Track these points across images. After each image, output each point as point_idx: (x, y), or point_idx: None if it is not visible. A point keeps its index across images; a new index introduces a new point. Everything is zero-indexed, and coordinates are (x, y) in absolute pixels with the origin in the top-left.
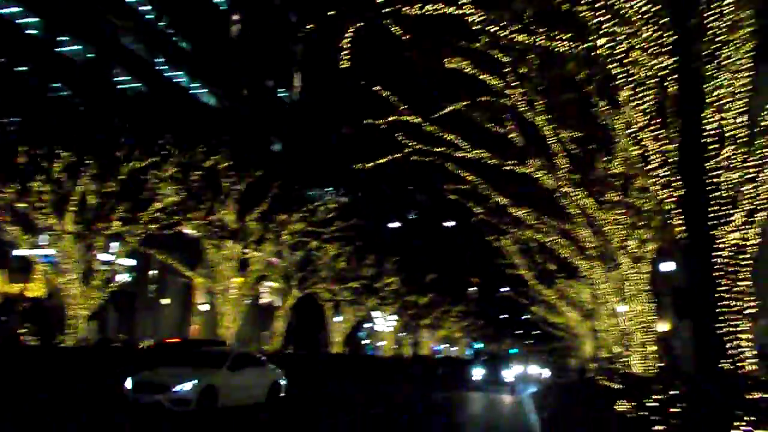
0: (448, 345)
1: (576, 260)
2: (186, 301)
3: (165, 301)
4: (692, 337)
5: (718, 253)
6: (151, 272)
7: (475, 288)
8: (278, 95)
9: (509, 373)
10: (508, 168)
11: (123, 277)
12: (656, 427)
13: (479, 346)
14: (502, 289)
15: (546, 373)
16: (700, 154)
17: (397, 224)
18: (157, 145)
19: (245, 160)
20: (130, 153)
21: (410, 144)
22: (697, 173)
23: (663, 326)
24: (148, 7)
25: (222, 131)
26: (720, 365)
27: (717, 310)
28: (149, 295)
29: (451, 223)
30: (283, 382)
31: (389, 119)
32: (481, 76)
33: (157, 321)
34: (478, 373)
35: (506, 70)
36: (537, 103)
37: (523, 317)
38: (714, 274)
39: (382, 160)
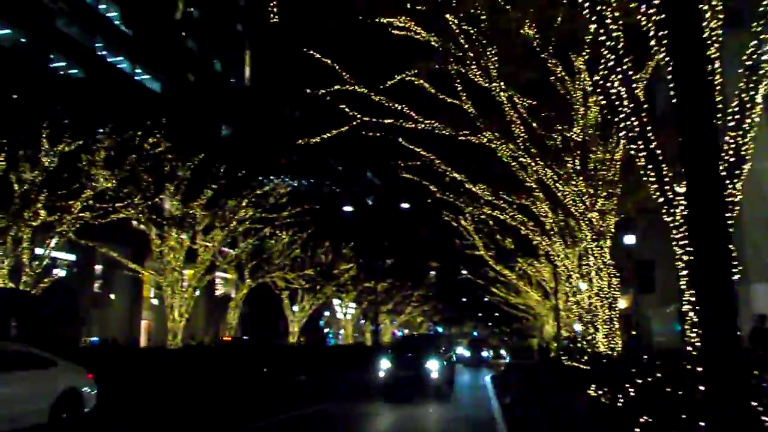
0: (407, 330)
1: (536, 237)
2: (136, 296)
3: (113, 297)
4: (659, 313)
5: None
6: (97, 267)
7: (434, 272)
8: (228, 80)
9: (434, 366)
10: (462, 139)
11: (58, 272)
12: (642, 418)
13: (439, 329)
14: (462, 272)
15: (501, 356)
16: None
17: (351, 208)
18: (88, 129)
19: (188, 144)
20: (58, 136)
21: (357, 116)
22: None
23: (623, 302)
24: None
25: (163, 114)
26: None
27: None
28: (95, 290)
29: (406, 206)
30: (88, 391)
31: (333, 89)
32: (431, 41)
33: (104, 318)
34: (384, 369)
35: (456, 30)
36: (491, 69)
37: (484, 299)
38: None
39: (327, 135)
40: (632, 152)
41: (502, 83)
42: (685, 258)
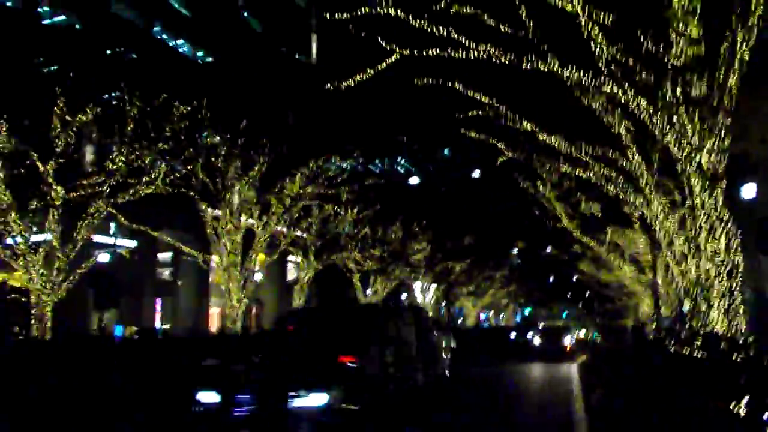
0: (492, 312)
1: (628, 197)
2: (202, 283)
3: (180, 284)
4: None
5: None
6: (162, 255)
7: (516, 250)
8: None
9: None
10: (528, 69)
11: (104, 258)
12: None
13: (528, 310)
14: (547, 249)
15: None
16: None
17: (417, 180)
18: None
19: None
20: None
21: (395, 49)
22: None
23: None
24: None
25: (209, 88)
26: None
27: None
28: (160, 278)
29: (477, 174)
30: None
31: (362, 12)
32: None
33: (174, 305)
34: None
35: None
36: None
37: (573, 278)
38: None
39: (363, 76)
40: None
41: None
42: None
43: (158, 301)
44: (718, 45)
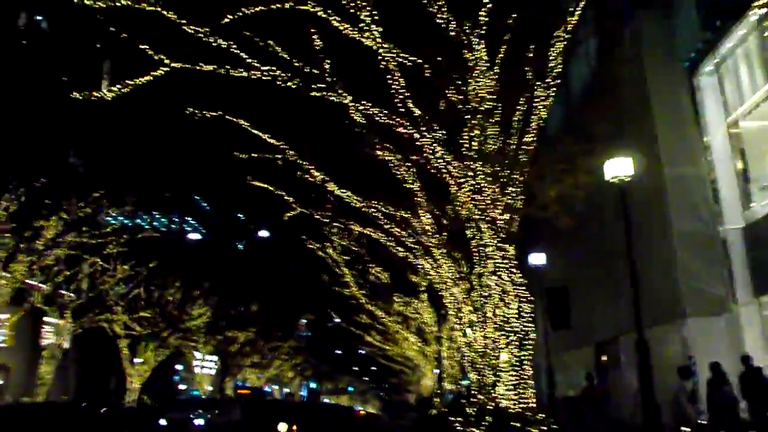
0: (277, 387)
1: (418, 259)
2: None
3: None
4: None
5: None
6: None
7: (305, 321)
8: None
9: None
10: (315, 95)
11: None
12: None
13: (313, 385)
14: (335, 320)
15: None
16: None
17: (198, 236)
18: None
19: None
20: None
21: (164, 60)
22: None
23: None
24: None
25: None
26: None
27: None
28: None
29: (265, 234)
30: None
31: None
32: None
33: None
34: None
35: None
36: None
37: (359, 351)
38: None
39: (122, 89)
40: None
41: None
42: None
43: None
44: (515, 99)
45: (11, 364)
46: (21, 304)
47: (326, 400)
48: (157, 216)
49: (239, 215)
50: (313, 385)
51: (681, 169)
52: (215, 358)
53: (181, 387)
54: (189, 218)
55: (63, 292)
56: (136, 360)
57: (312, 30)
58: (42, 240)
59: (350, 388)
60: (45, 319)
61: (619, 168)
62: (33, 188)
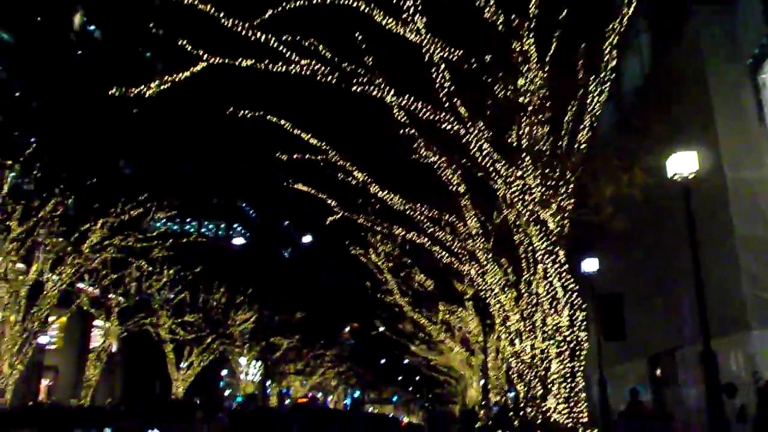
0: (322, 394)
1: (464, 264)
2: None
3: None
4: None
5: None
6: None
7: (348, 329)
8: None
9: None
10: (357, 90)
11: None
12: None
13: (356, 394)
14: (379, 329)
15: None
16: None
17: (242, 241)
18: None
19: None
20: None
21: (201, 56)
22: None
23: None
24: None
25: None
26: None
27: None
28: None
29: (308, 239)
30: None
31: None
32: None
33: None
34: None
35: None
36: None
37: (405, 361)
38: None
39: (161, 85)
40: None
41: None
42: None
43: None
44: (567, 95)
45: (60, 366)
46: (69, 307)
47: (370, 410)
48: (204, 222)
49: (284, 222)
50: (356, 394)
51: (744, 171)
52: (260, 363)
53: (226, 393)
54: (235, 224)
55: (111, 296)
56: (181, 364)
57: (354, 24)
58: (89, 243)
59: (394, 398)
60: (94, 322)
61: (682, 164)
62: (81, 191)
